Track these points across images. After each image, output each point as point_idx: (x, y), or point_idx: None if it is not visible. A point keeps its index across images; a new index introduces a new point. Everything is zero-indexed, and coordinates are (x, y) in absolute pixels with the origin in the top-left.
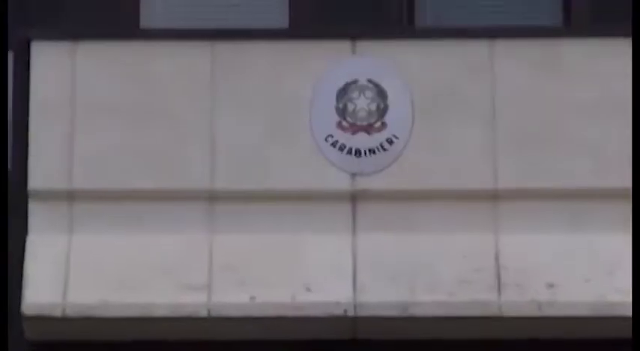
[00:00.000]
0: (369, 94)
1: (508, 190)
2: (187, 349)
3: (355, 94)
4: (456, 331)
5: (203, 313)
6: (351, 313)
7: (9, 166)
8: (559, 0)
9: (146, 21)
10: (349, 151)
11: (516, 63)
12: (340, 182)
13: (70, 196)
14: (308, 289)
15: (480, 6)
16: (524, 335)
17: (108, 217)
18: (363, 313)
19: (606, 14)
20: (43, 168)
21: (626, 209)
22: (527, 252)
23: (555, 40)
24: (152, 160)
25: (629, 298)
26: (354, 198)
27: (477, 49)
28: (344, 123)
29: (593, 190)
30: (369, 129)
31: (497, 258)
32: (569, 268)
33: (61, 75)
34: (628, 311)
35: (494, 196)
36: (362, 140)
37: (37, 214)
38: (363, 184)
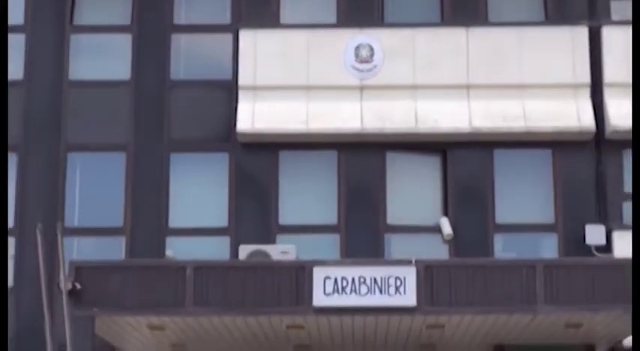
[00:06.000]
0: (367, 48)
1: (418, 85)
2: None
3: (361, 49)
4: (400, 139)
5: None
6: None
7: (230, 75)
8: (439, 7)
9: (283, 19)
10: (359, 70)
11: (423, 39)
12: (355, 82)
13: (255, 88)
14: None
15: (408, 12)
16: (428, 140)
17: (269, 96)
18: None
19: (463, 13)
20: (244, 76)
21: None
22: (429, 111)
23: (437, 28)
24: (289, 76)
25: (479, 124)
26: (362, 89)
27: (407, 33)
28: (357, 59)
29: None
30: (366, 62)
31: (416, 112)
32: (448, 116)
33: (249, 43)
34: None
35: (413, 87)
36: (364, 66)
37: (242, 96)
38: (365, 82)
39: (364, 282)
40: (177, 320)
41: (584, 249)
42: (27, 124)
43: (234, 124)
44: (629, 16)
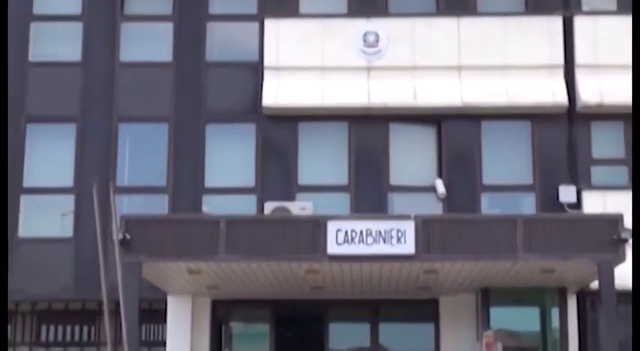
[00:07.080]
0: (373, 34)
1: (417, 66)
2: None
3: (368, 35)
4: (401, 112)
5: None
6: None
7: (257, 58)
8: None
9: (302, 10)
10: (366, 54)
11: (421, 27)
12: (363, 63)
13: (278, 69)
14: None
15: (409, 4)
16: (425, 113)
17: (290, 75)
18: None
19: (455, 5)
20: (269, 58)
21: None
22: (426, 88)
23: (433, 17)
24: (306, 58)
25: (469, 99)
26: (369, 69)
27: (407, 22)
28: (365, 44)
29: (445, 66)
30: (373, 46)
31: (415, 90)
32: (442, 93)
33: (273, 30)
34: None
35: (413, 68)
36: (371, 50)
37: (267, 75)
38: (372, 64)
39: (370, 234)
40: (211, 265)
41: (557, 206)
42: (84, 99)
43: (261, 99)
44: (597, 7)
